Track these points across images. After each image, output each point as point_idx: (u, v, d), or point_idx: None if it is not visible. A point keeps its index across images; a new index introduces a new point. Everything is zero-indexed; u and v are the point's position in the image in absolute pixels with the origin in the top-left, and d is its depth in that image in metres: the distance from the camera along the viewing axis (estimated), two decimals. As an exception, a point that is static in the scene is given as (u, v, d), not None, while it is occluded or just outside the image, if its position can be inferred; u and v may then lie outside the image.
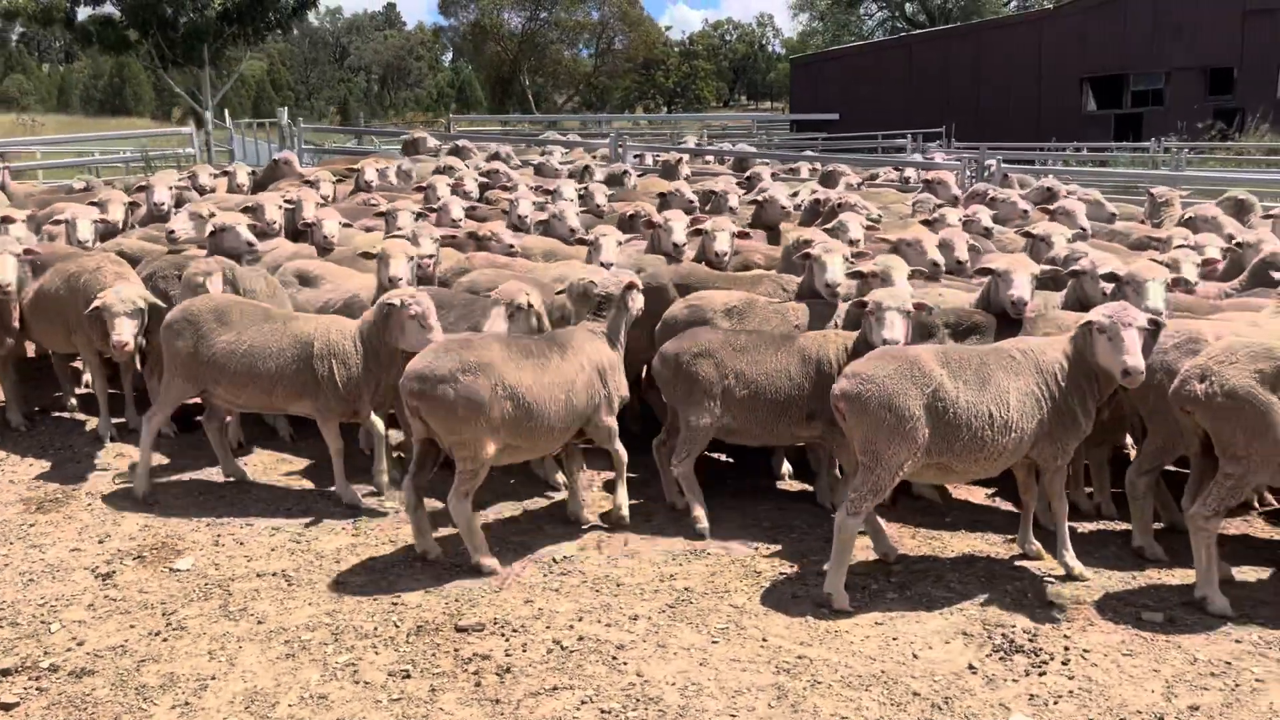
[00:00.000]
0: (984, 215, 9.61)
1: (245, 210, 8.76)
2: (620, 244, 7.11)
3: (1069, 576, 5.58)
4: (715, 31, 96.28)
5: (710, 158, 16.32)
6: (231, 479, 6.81)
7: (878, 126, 33.19)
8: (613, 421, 6.00)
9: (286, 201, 9.02)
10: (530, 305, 6.20)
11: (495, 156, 14.49)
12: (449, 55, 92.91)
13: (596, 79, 76.75)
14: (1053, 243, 8.03)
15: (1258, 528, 6.39)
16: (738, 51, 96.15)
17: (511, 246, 7.85)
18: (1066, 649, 4.88)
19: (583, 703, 4.38)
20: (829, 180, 13.48)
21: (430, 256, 7.30)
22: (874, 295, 5.88)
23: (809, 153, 18.70)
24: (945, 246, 7.83)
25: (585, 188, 10.63)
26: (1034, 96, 37.42)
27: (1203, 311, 6.81)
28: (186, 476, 6.98)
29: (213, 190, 11.78)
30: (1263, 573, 5.72)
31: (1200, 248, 8.09)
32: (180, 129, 18.60)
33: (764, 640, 4.92)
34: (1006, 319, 6.31)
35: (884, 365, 5.15)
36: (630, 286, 6.10)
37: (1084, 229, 9.02)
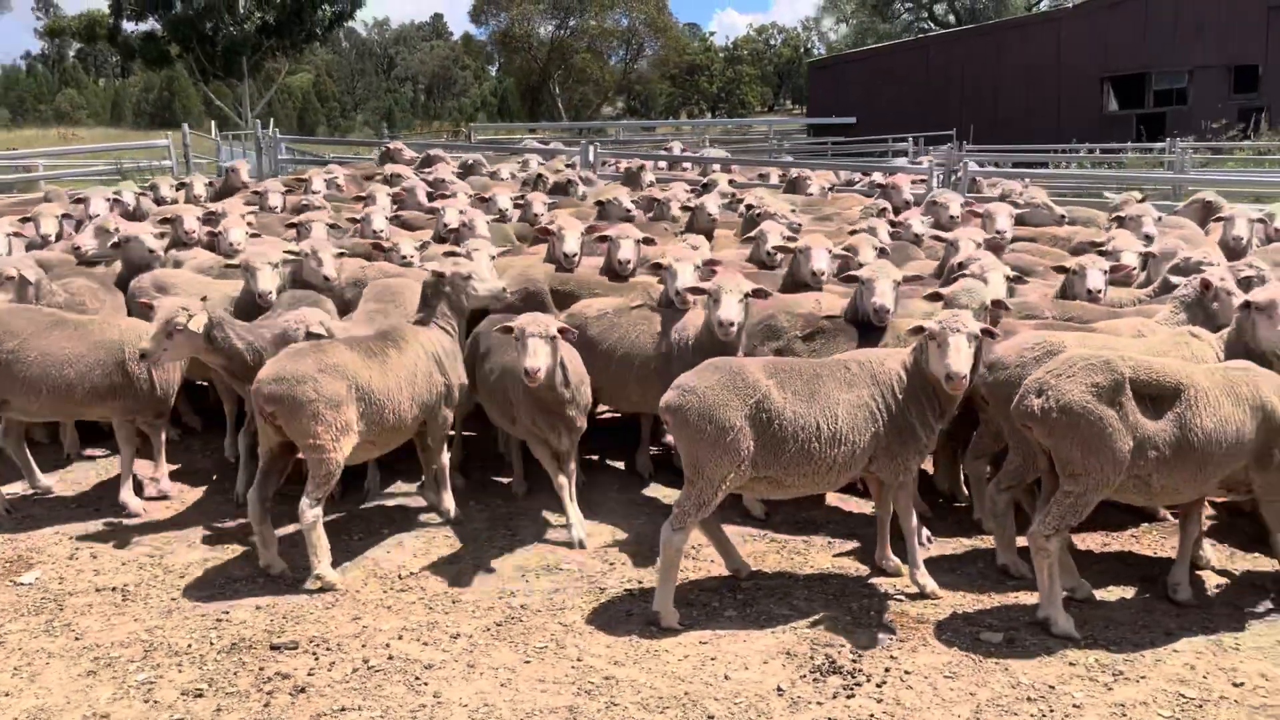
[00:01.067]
0: (915, 221, 9.46)
1: (164, 221, 8.83)
2: (493, 257, 7.04)
3: (920, 594, 5.42)
4: (760, 36, 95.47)
5: (689, 165, 16.22)
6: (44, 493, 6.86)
7: (896, 129, 32.91)
8: (450, 413, 6.12)
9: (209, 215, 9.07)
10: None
11: (468, 166, 14.51)
12: (496, 65, 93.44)
13: (628, 86, 76.86)
14: (959, 248, 7.86)
15: (1144, 545, 6.18)
16: (783, 56, 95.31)
17: (406, 258, 7.81)
18: (888, 670, 4.73)
19: (365, 725, 4.31)
20: (795, 187, 13.39)
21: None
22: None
23: (789, 159, 18.48)
24: (850, 250, 7.69)
25: (523, 197, 10.59)
26: (1053, 97, 36.85)
27: (1096, 319, 6.61)
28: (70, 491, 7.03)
29: (172, 201, 11.90)
30: (1128, 591, 5.53)
31: (1119, 253, 7.86)
32: (156, 141, 18.78)
33: (578, 660, 4.82)
34: (873, 326, 6.18)
35: (707, 376, 5.04)
36: (440, 275, 6.15)
37: (1000, 232, 8.82)
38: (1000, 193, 12.43)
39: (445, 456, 6.27)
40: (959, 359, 4.92)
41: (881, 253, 7.70)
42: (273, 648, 4.92)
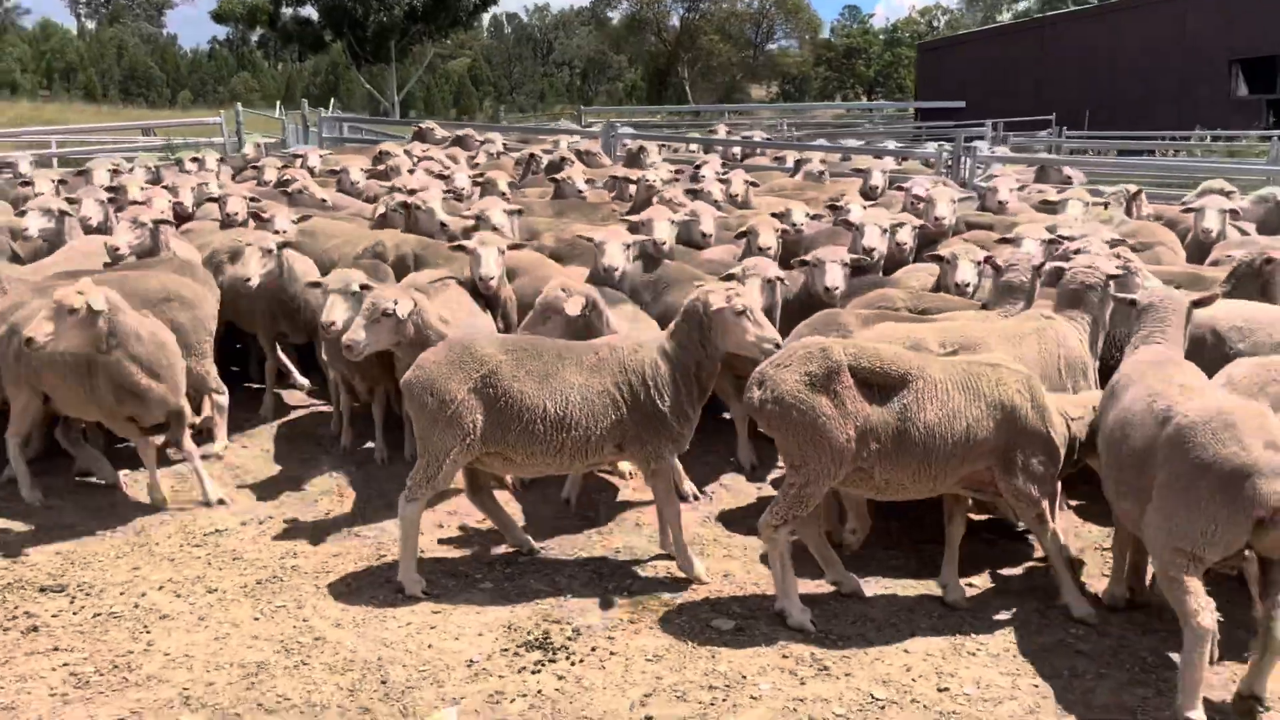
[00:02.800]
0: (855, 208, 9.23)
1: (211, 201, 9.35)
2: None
3: (689, 579, 5.38)
4: (923, 17, 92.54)
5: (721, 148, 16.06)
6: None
7: (1007, 114, 31.70)
8: None
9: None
10: None
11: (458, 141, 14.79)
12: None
13: (769, 70, 76.22)
14: (864, 232, 7.72)
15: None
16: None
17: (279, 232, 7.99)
18: (594, 650, 4.74)
19: (65, 665, 4.58)
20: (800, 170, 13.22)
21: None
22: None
23: (822, 142, 18.09)
24: (751, 233, 7.69)
25: (482, 175, 10.78)
26: (1176, 82, 34.76)
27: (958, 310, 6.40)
28: None
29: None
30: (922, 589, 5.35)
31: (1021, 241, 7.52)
32: (210, 119, 19.71)
33: (304, 620, 4.99)
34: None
35: (438, 352, 5.12)
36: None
37: (939, 218, 8.53)
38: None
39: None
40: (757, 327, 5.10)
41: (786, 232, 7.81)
42: (40, 589, 5.26)
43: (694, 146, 17.02)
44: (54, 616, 5.00)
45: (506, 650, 4.73)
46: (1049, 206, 9.60)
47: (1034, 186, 11.24)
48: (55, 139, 19.05)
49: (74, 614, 5.03)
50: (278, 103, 19.52)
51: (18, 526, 6.03)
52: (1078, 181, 12.27)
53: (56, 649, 4.71)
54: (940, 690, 4.46)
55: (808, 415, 4.64)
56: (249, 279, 7.01)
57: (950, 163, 12.85)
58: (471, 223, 7.90)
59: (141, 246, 7.46)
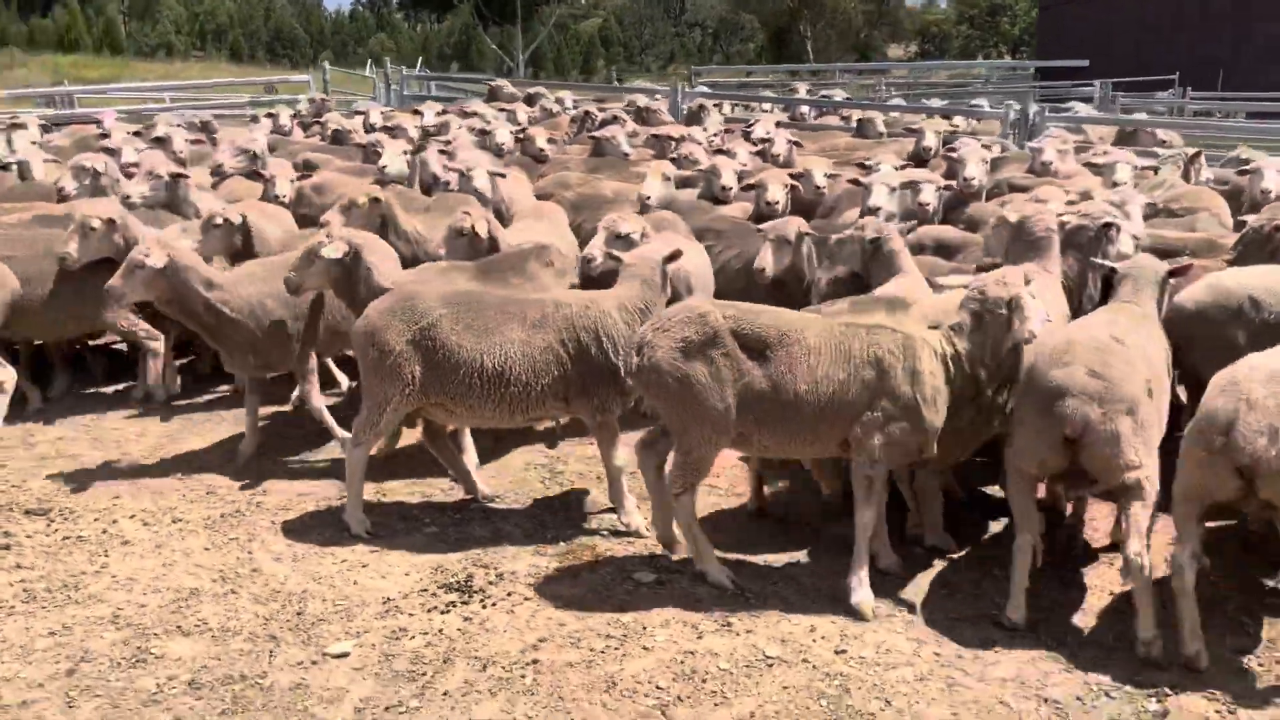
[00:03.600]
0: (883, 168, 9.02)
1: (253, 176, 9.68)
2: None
3: (627, 531, 5.46)
4: None
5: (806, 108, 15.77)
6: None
7: (1136, 73, 30.18)
8: None
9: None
10: None
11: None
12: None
13: (896, 28, 74.12)
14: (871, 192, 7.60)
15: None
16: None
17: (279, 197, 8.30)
18: (510, 594, 4.87)
19: (22, 580, 4.95)
20: (863, 130, 12.98)
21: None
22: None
23: (898, 101, 17.56)
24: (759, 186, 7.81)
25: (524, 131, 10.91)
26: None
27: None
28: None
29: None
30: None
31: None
32: (298, 75, 20.31)
33: (249, 554, 5.25)
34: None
35: (382, 303, 5.27)
36: None
37: (969, 179, 8.28)
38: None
39: None
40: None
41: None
42: (26, 512, 5.67)
43: (770, 106, 16.76)
44: (28, 537, 5.39)
45: (426, 590, 4.90)
46: (1096, 169, 9.22)
47: (1103, 148, 10.70)
48: (169, 95, 20.01)
49: (46, 535, 5.42)
50: (368, 61, 19.98)
51: (25, 454, 6.49)
52: (1173, 145, 11.69)
53: (19, 566, 5.09)
54: (837, 652, 4.43)
55: (684, 382, 4.58)
56: (66, 255, 6.62)
57: (1018, 123, 12.35)
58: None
59: (156, 199, 7.83)
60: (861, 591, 4.71)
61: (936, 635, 4.58)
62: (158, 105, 17.49)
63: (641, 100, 13.93)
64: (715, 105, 15.00)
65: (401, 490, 6.03)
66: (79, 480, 6.09)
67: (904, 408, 4.62)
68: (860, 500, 4.73)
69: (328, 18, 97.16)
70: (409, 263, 6.54)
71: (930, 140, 10.54)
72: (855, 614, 4.68)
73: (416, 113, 13.07)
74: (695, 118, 13.35)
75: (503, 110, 13.16)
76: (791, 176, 8.30)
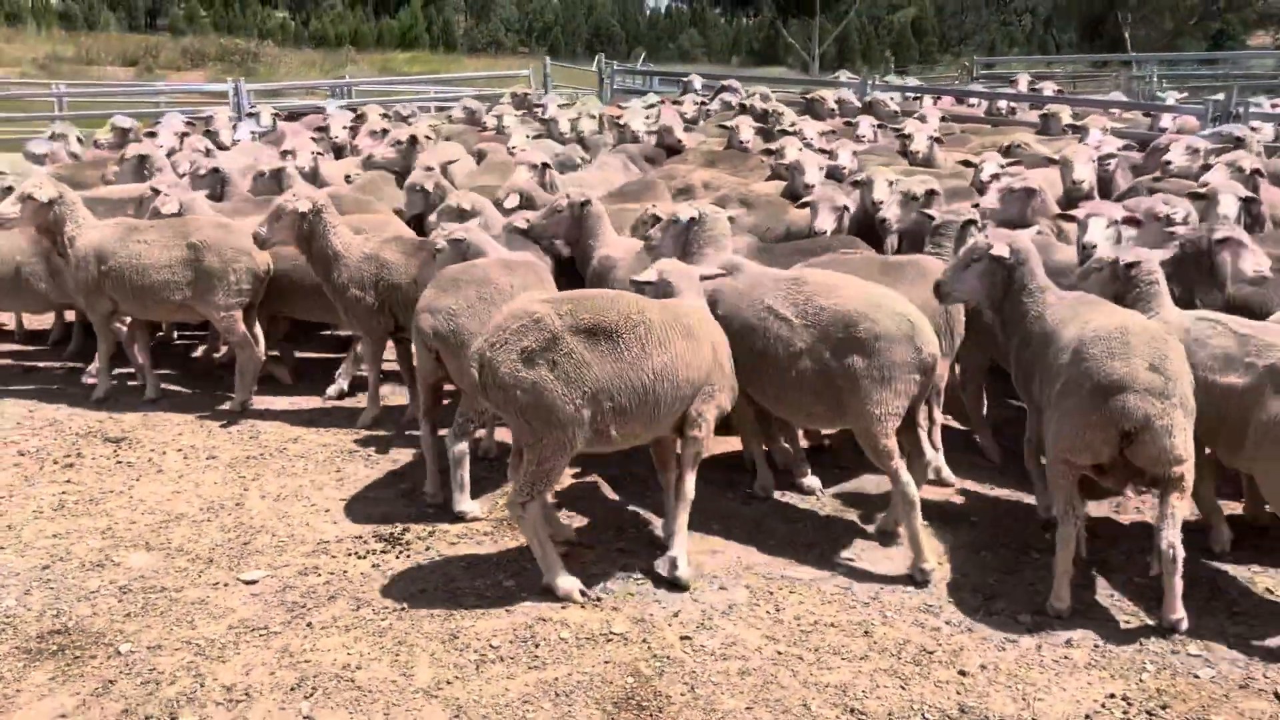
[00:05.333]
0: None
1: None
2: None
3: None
4: None
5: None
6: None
7: None
8: None
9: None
10: None
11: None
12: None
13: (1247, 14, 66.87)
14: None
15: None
16: None
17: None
18: (428, 549, 5.28)
19: (63, 493, 5.94)
20: (1046, 126, 12.20)
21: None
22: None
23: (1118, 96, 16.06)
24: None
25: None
26: None
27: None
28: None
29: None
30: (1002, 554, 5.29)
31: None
32: (519, 71, 21.45)
33: (244, 490, 6.00)
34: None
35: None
36: None
37: (1077, 180, 7.74)
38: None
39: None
40: None
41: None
42: (106, 439, 6.74)
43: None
44: (93, 460, 6.43)
45: (360, 538, 5.41)
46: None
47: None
48: (433, 89, 22.01)
49: (107, 459, 6.44)
50: (598, 55, 20.94)
51: (131, 393, 7.62)
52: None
53: (69, 481, 6.11)
54: (682, 638, 4.49)
55: (530, 393, 4.52)
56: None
57: (1216, 120, 11.12)
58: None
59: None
60: (683, 564, 4.88)
61: (800, 637, 4.52)
62: (411, 97, 19.20)
63: (826, 92, 13.77)
64: (913, 98, 14.57)
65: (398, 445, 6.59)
66: (161, 418, 7.12)
67: (726, 381, 4.93)
68: (690, 473, 4.93)
69: (645, 14, 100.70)
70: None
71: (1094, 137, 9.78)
72: (678, 585, 4.87)
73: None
74: (814, 109, 13.06)
75: (675, 104, 13.47)
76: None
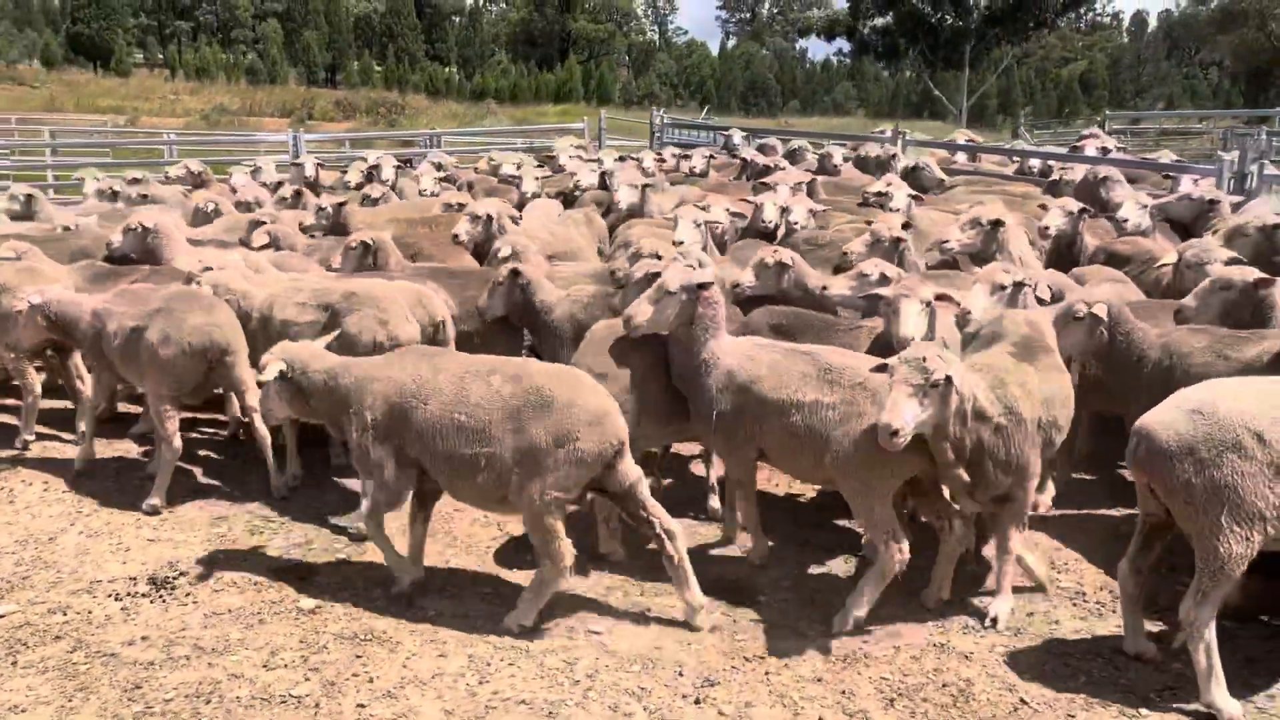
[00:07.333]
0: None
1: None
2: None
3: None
4: None
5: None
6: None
7: None
8: None
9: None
10: None
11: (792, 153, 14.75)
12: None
13: None
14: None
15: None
16: None
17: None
18: (189, 595, 5.31)
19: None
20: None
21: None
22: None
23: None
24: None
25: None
26: None
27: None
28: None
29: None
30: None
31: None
32: (572, 125, 21.67)
33: (78, 532, 6.18)
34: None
35: None
36: None
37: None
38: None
39: None
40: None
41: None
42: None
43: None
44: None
45: (134, 579, 5.48)
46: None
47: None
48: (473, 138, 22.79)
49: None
50: (652, 109, 21.02)
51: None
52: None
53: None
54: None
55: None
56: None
57: (1233, 180, 10.13)
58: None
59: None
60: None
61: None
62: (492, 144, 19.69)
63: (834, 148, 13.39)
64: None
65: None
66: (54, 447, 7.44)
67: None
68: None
69: (801, 69, 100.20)
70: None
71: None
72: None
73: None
74: (794, 156, 12.71)
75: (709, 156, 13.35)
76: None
